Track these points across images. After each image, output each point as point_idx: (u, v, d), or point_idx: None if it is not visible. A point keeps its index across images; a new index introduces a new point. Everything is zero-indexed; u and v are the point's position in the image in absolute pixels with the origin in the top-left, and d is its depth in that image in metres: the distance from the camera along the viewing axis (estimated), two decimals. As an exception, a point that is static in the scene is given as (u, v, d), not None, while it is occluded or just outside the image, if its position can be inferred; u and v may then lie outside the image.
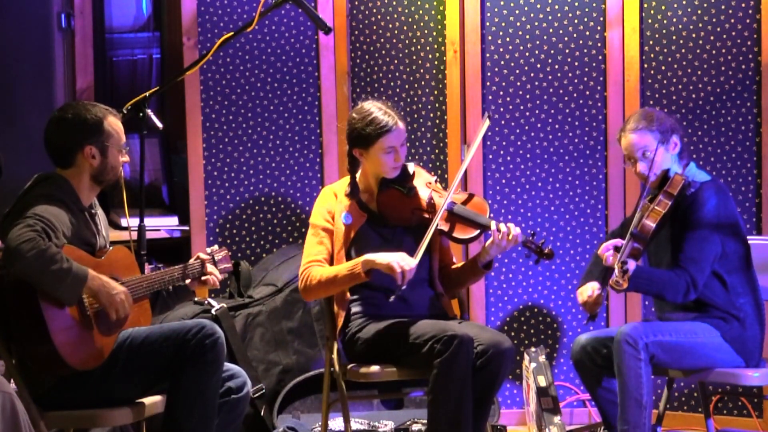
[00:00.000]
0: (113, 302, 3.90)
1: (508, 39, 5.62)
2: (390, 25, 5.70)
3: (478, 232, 4.51)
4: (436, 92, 5.66)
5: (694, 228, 4.53)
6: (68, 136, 4.05)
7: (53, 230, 3.80)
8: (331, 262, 4.54)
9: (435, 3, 5.63)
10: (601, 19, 5.57)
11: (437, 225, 4.48)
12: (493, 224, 4.49)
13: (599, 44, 5.57)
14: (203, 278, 4.29)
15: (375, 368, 4.49)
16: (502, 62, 5.63)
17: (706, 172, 4.72)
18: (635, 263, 4.44)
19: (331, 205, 4.61)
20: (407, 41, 5.69)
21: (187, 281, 4.28)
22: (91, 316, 3.88)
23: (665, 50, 5.51)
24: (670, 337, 4.50)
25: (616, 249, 4.49)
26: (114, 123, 4.11)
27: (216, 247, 4.40)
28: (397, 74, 5.71)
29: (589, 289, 4.60)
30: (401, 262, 4.34)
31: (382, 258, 4.38)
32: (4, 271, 3.81)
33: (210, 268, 4.30)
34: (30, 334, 3.80)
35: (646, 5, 5.52)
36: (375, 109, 4.54)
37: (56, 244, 3.77)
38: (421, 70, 5.67)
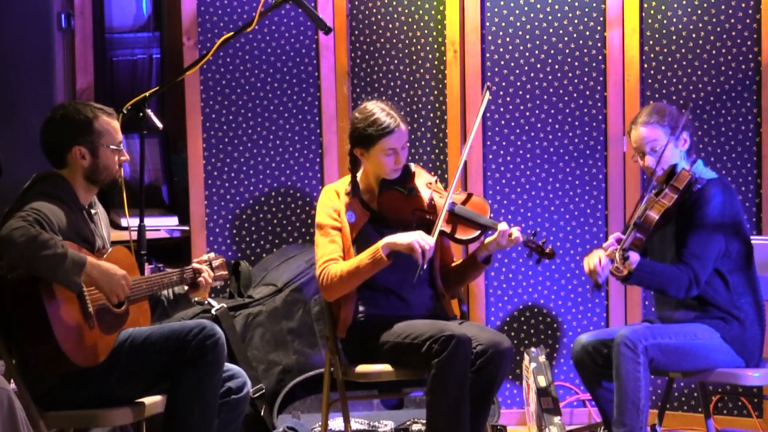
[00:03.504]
0: (114, 287, 3.89)
1: (508, 39, 5.62)
2: (390, 25, 5.70)
3: (479, 232, 4.51)
4: (436, 92, 5.66)
5: (698, 224, 4.53)
6: (57, 136, 4.06)
7: (47, 222, 3.80)
8: (345, 259, 4.53)
9: (435, 3, 5.63)
10: (601, 19, 5.57)
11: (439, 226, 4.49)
12: (495, 225, 4.49)
13: (599, 44, 5.57)
14: (197, 279, 4.29)
15: (375, 368, 4.49)
16: (502, 62, 5.63)
17: (712, 170, 4.72)
18: (639, 255, 4.44)
19: (335, 203, 4.61)
20: (407, 41, 5.69)
21: (185, 287, 4.29)
22: (92, 314, 3.89)
23: (665, 50, 5.51)
24: (669, 339, 4.50)
25: (619, 242, 4.49)
26: (106, 122, 4.09)
27: (212, 254, 4.41)
28: (397, 74, 5.71)
29: (596, 257, 4.50)
30: (421, 241, 4.35)
31: (402, 239, 4.38)
32: (5, 270, 3.81)
33: (205, 269, 4.30)
34: (33, 332, 3.80)
35: (646, 5, 5.52)
36: (378, 109, 4.53)
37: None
38: (421, 70, 5.67)
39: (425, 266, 4.37)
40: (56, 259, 3.72)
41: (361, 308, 4.57)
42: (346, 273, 4.46)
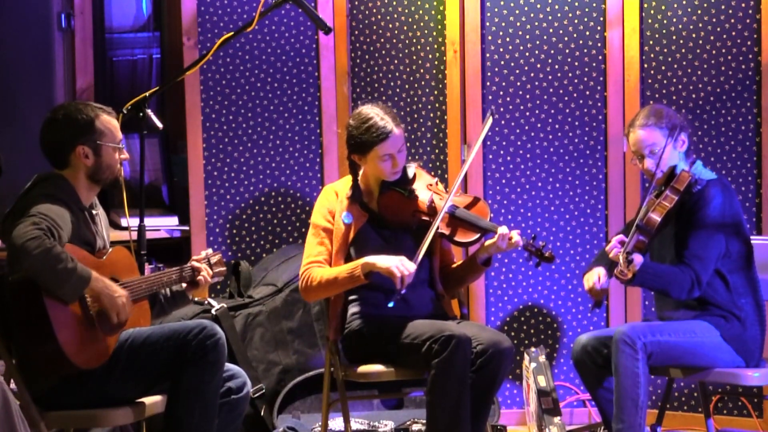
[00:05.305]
0: (114, 305, 3.90)
1: (508, 39, 5.62)
2: (390, 25, 5.70)
3: (479, 235, 4.51)
4: (436, 92, 5.66)
5: (699, 225, 4.53)
6: (60, 136, 4.06)
7: (57, 229, 3.81)
8: (331, 262, 4.54)
9: (435, 3, 5.63)
10: (601, 19, 5.57)
11: (438, 228, 4.48)
12: (495, 228, 4.49)
13: (599, 44, 5.58)
14: (196, 278, 4.30)
15: (375, 368, 4.49)
16: (502, 62, 5.63)
17: (712, 171, 4.72)
18: (642, 257, 4.44)
19: (332, 204, 4.61)
20: (407, 41, 5.69)
21: (183, 285, 4.29)
22: (93, 316, 3.89)
23: (665, 50, 5.51)
24: (668, 336, 4.50)
25: (622, 244, 4.49)
26: (107, 121, 4.09)
27: (210, 251, 4.41)
28: (397, 74, 5.71)
29: (595, 275, 4.58)
30: (401, 266, 4.34)
31: (382, 262, 4.38)
32: (6, 270, 3.81)
33: (204, 268, 4.31)
34: (35, 333, 3.80)
35: (646, 5, 5.52)
36: (372, 114, 4.51)
37: (61, 244, 3.78)
38: (421, 70, 5.67)
39: (403, 291, 4.37)
40: (65, 273, 3.74)
41: (360, 308, 4.57)
42: (325, 281, 4.48)
